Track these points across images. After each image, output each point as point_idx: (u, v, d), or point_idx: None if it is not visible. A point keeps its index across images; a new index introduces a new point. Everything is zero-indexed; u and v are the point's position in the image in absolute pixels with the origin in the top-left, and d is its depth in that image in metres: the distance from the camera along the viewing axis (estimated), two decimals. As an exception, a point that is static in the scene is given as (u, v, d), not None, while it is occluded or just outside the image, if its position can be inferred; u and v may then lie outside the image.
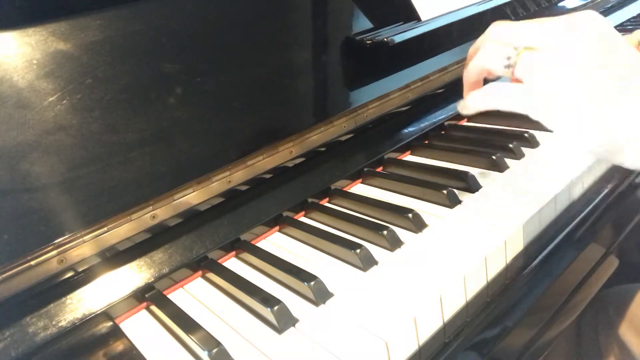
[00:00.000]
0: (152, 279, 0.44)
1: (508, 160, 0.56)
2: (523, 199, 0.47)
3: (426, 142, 0.66)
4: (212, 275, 0.46)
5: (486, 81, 0.44)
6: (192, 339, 0.36)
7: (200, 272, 0.47)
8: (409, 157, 0.64)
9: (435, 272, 0.40)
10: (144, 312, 0.44)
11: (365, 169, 0.60)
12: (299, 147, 0.55)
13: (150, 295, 0.44)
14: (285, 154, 0.54)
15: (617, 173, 0.55)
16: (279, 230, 0.53)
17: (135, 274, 0.44)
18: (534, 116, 0.37)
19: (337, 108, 0.58)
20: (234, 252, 0.50)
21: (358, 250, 0.43)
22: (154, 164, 0.45)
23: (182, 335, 0.38)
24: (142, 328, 0.42)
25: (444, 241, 0.44)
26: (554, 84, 0.35)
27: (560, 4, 0.93)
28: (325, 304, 0.39)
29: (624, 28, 1.03)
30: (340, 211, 0.53)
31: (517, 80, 0.38)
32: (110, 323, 0.42)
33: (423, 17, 0.66)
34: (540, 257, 0.44)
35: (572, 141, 0.35)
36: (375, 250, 0.44)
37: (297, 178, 0.56)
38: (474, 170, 0.54)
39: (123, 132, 0.44)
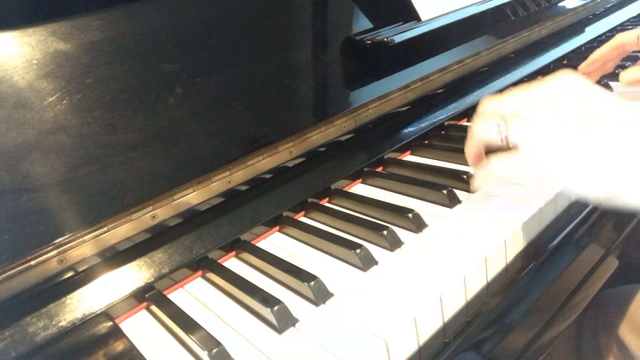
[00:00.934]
0: (152, 279, 0.44)
1: (508, 161, 0.56)
2: (523, 198, 0.47)
3: (426, 142, 0.66)
4: (212, 275, 0.46)
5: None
6: (192, 339, 0.36)
7: (200, 272, 0.47)
8: (409, 157, 0.64)
9: (435, 272, 0.40)
10: (144, 312, 0.44)
11: (365, 169, 0.60)
12: (299, 147, 0.55)
13: (150, 295, 0.44)
14: (285, 154, 0.54)
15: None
16: (279, 230, 0.53)
17: (135, 274, 0.44)
18: (534, 176, 0.40)
19: (337, 108, 0.58)
20: (234, 252, 0.50)
21: (358, 250, 0.43)
22: (154, 164, 0.45)
23: (182, 335, 0.38)
24: (142, 328, 0.42)
25: (444, 241, 0.44)
26: (543, 147, 0.38)
27: (560, 4, 0.93)
28: (325, 304, 0.39)
29: (624, 28, 1.03)
30: (340, 211, 0.53)
31: (515, 147, 0.41)
32: (110, 323, 0.42)
33: (423, 17, 0.66)
34: (540, 257, 0.44)
35: (574, 192, 0.38)
36: (375, 250, 0.44)
37: (297, 178, 0.56)
38: (474, 170, 0.54)
39: (123, 132, 0.44)
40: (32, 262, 0.39)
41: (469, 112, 0.73)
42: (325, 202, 0.57)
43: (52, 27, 0.43)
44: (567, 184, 0.37)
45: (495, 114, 0.41)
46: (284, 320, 0.37)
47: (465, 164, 0.57)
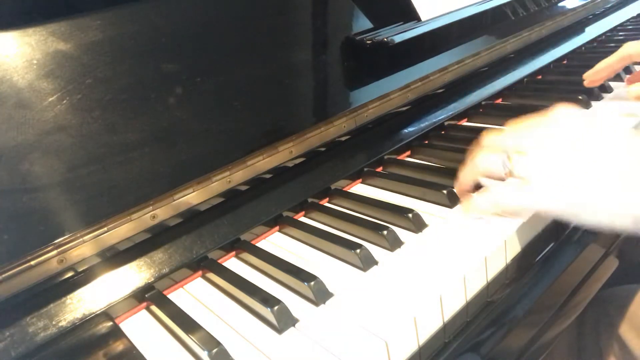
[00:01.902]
0: (152, 279, 0.44)
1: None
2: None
3: (426, 142, 0.66)
4: (212, 275, 0.46)
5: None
6: (192, 339, 0.36)
7: (200, 272, 0.47)
8: (409, 157, 0.64)
9: (435, 272, 0.40)
10: (144, 312, 0.44)
11: (365, 169, 0.60)
12: (299, 147, 0.55)
13: (150, 295, 0.44)
14: (285, 154, 0.54)
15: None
16: (279, 230, 0.53)
17: (135, 274, 0.44)
18: (536, 209, 0.41)
19: (337, 108, 0.58)
20: (234, 252, 0.50)
21: (358, 250, 0.43)
22: (154, 164, 0.45)
23: (182, 335, 0.38)
24: (142, 328, 0.42)
25: (444, 241, 0.44)
26: (548, 179, 0.38)
27: (560, 4, 0.93)
28: (325, 304, 0.39)
29: (624, 28, 1.04)
30: (340, 211, 0.53)
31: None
32: (110, 323, 0.42)
33: (423, 17, 0.66)
34: (540, 257, 0.44)
35: (582, 222, 0.38)
36: (375, 250, 0.44)
37: (297, 178, 0.56)
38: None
39: (123, 132, 0.44)
40: (32, 262, 0.39)
41: (469, 112, 0.73)
42: (325, 202, 0.57)
43: (52, 27, 0.43)
44: (575, 218, 0.38)
45: (499, 147, 0.42)
46: (284, 320, 0.37)
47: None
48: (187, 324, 0.38)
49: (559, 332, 0.47)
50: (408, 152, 0.65)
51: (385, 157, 0.62)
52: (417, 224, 0.47)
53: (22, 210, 0.39)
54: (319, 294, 0.40)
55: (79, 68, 0.43)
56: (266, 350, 0.36)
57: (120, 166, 0.43)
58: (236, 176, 0.50)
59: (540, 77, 0.84)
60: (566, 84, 0.77)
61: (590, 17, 1.02)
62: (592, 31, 0.98)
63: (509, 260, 0.43)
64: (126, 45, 0.46)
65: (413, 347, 0.36)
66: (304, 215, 0.54)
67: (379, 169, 0.62)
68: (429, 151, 0.63)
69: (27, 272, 0.39)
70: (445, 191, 0.50)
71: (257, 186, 0.53)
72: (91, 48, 0.44)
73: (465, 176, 0.47)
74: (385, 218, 0.49)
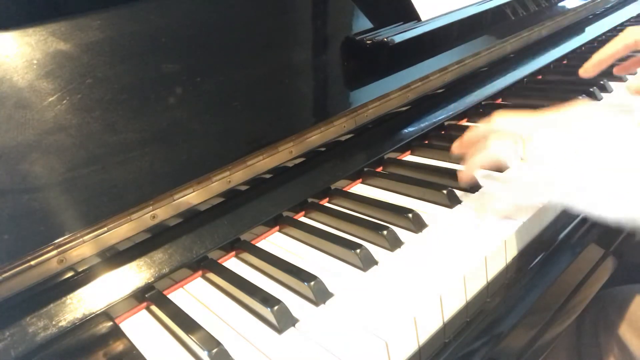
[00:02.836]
0: (152, 279, 0.44)
1: (508, 161, 0.55)
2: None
3: (426, 142, 0.66)
4: (212, 275, 0.46)
5: None
6: (192, 339, 0.36)
7: (200, 272, 0.47)
8: (409, 157, 0.64)
9: (435, 272, 0.40)
10: (144, 312, 0.44)
11: (365, 169, 0.60)
12: (299, 147, 0.55)
13: (150, 295, 0.44)
14: (285, 154, 0.54)
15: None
16: (279, 230, 0.53)
17: (135, 274, 0.44)
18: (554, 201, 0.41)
19: (337, 108, 0.58)
20: (234, 252, 0.50)
21: (358, 250, 0.43)
22: (154, 164, 0.45)
23: (182, 335, 0.38)
24: (142, 328, 0.42)
25: (444, 241, 0.44)
26: (564, 170, 0.38)
27: (560, 4, 0.93)
28: (325, 304, 0.39)
29: (624, 27, 1.03)
30: (340, 211, 0.53)
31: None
32: (110, 323, 0.42)
33: (423, 17, 0.66)
34: (540, 257, 0.44)
35: (589, 214, 0.38)
36: (375, 250, 0.44)
37: (297, 178, 0.56)
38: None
39: (123, 132, 0.44)
40: (32, 262, 0.39)
41: (469, 112, 0.73)
42: (325, 202, 0.57)
43: (52, 27, 0.43)
44: (583, 207, 0.38)
45: (512, 133, 0.42)
46: (284, 320, 0.37)
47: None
48: (187, 324, 0.38)
49: (559, 333, 0.47)
50: (408, 152, 0.65)
51: (385, 157, 0.62)
52: (417, 224, 0.47)
53: (22, 210, 0.39)
54: (319, 294, 0.40)
55: (79, 68, 0.43)
56: (266, 350, 0.36)
57: (120, 166, 0.43)
58: (236, 176, 0.50)
59: (540, 77, 0.84)
60: (566, 84, 0.77)
61: (590, 17, 1.02)
62: (592, 31, 0.98)
63: (508, 260, 0.43)
64: (126, 45, 0.46)
65: (413, 347, 0.36)
66: (304, 215, 0.54)
67: (379, 169, 0.62)
68: (429, 151, 0.63)
69: (27, 272, 0.39)
70: (445, 191, 0.50)
71: (257, 186, 0.53)
72: (91, 48, 0.44)
73: (477, 161, 0.46)
74: (385, 218, 0.49)
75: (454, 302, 0.39)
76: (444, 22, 0.66)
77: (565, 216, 0.48)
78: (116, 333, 0.41)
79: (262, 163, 0.52)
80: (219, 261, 0.48)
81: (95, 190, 0.42)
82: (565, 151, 0.38)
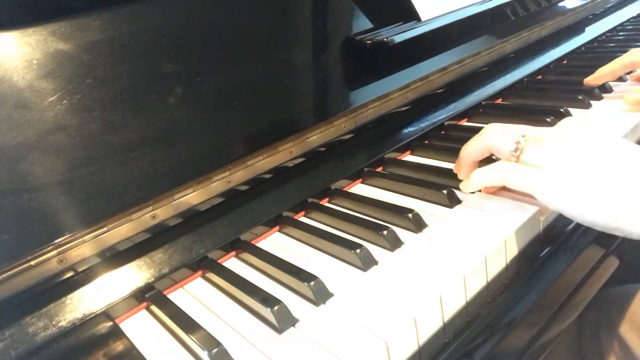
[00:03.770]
0: (152, 279, 0.44)
1: (508, 160, 0.55)
2: (524, 198, 0.47)
3: (426, 142, 0.66)
4: (212, 275, 0.46)
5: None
6: (192, 339, 0.36)
7: (200, 272, 0.47)
8: (409, 157, 0.64)
9: (435, 272, 0.40)
10: (144, 312, 0.44)
11: (365, 169, 0.60)
12: (299, 147, 0.55)
13: (150, 295, 0.44)
14: (285, 154, 0.54)
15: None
16: (279, 230, 0.52)
17: (135, 274, 0.44)
18: (540, 198, 0.41)
19: (337, 108, 0.58)
20: (234, 252, 0.50)
21: (358, 250, 0.43)
22: (154, 164, 0.45)
23: (182, 335, 0.38)
24: (142, 328, 0.42)
25: (444, 241, 0.44)
26: (561, 172, 0.39)
27: (560, 4, 0.93)
28: (325, 304, 0.39)
29: (624, 28, 1.04)
30: (340, 211, 0.53)
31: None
32: (110, 323, 0.42)
33: (423, 17, 0.66)
34: (540, 257, 0.44)
35: (577, 219, 0.40)
36: (375, 250, 0.44)
37: (297, 178, 0.56)
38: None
39: (123, 132, 0.44)
40: (32, 262, 0.39)
41: (469, 112, 0.73)
42: (325, 202, 0.57)
43: (52, 27, 0.43)
44: (574, 212, 0.39)
45: (515, 133, 0.43)
46: (284, 320, 0.37)
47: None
48: (187, 324, 0.38)
49: (559, 332, 0.47)
50: (408, 152, 0.65)
51: (385, 157, 0.62)
52: (417, 224, 0.47)
53: (22, 210, 0.39)
54: (319, 294, 0.40)
55: (79, 68, 0.43)
56: (266, 350, 0.36)
57: (120, 166, 0.43)
58: (236, 176, 0.50)
59: (540, 77, 0.84)
60: (566, 84, 0.77)
61: (590, 17, 1.02)
62: (592, 31, 0.98)
63: (509, 260, 0.43)
64: (126, 45, 0.46)
65: (413, 347, 0.36)
66: (304, 215, 0.54)
67: (379, 169, 0.62)
68: (429, 151, 0.63)
69: (27, 272, 0.39)
70: (445, 191, 0.50)
71: (257, 186, 0.53)
72: (91, 48, 0.44)
73: (471, 149, 0.47)
74: (385, 218, 0.49)
75: (454, 301, 0.39)
76: (444, 22, 0.66)
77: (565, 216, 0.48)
78: (116, 333, 0.41)
79: (262, 163, 0.52)
80: (219, 261, 0.48)
81: (95, 190, 0.42)
82: (565, 158, 0.39)
